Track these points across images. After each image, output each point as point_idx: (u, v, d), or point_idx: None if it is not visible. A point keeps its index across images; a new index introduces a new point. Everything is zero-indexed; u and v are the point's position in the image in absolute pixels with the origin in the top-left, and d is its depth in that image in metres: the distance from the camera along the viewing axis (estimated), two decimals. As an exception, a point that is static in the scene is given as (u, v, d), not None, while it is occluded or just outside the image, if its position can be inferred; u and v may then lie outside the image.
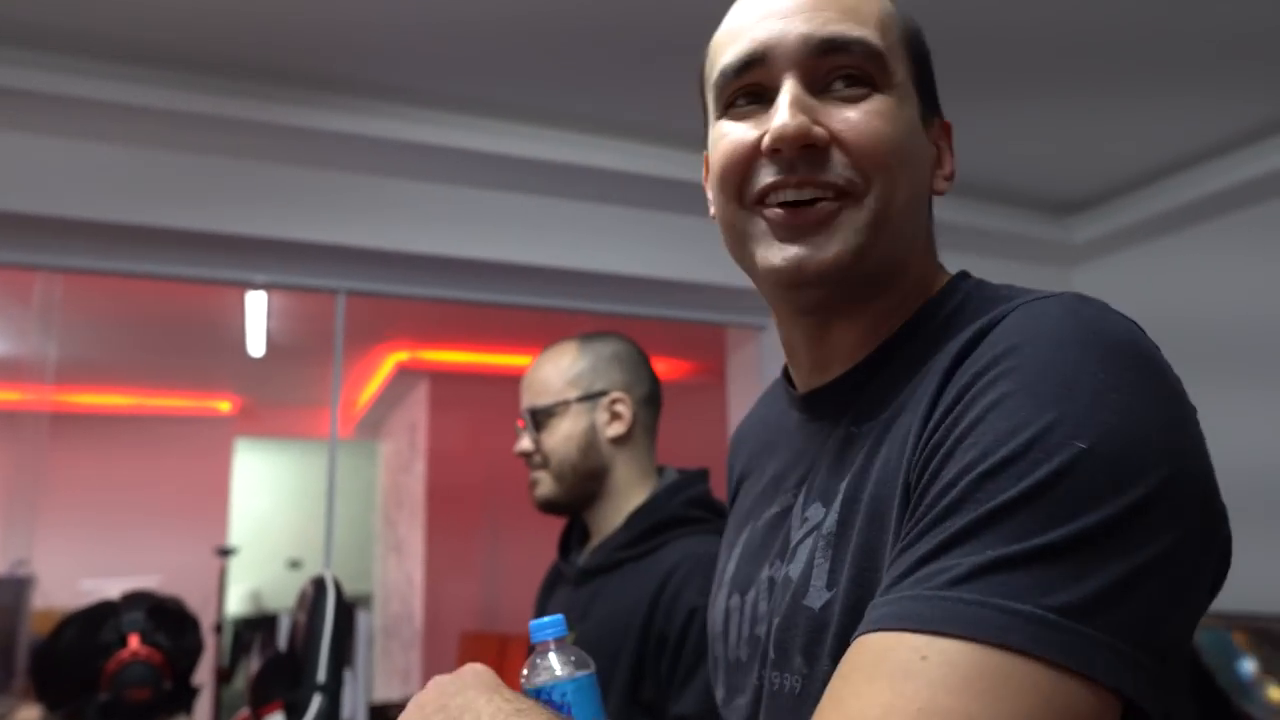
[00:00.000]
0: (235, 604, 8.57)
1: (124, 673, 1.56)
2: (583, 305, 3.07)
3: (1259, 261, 2.99)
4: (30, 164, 2.36)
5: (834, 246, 0.67)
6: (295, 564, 8.97)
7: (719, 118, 0.74)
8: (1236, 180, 2.91)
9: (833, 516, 0.68)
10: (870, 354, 0.72)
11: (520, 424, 1.48)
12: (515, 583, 2.38)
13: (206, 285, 2.81)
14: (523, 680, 0.80)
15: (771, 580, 0.74)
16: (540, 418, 1.44)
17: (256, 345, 4.89)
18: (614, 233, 2.90)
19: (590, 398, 1.43)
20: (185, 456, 7.13)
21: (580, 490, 1.43)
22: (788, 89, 0.68)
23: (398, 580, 6.54)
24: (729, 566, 0.83)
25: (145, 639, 1.60)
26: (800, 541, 0.71)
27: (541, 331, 4.65)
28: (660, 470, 1.49)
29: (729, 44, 0.72)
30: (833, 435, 0.73)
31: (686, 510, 1.39)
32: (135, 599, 1.68)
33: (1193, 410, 0.57)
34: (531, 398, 1.46)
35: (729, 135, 0.72)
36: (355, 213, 2.63)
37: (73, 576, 5.83)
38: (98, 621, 1.62)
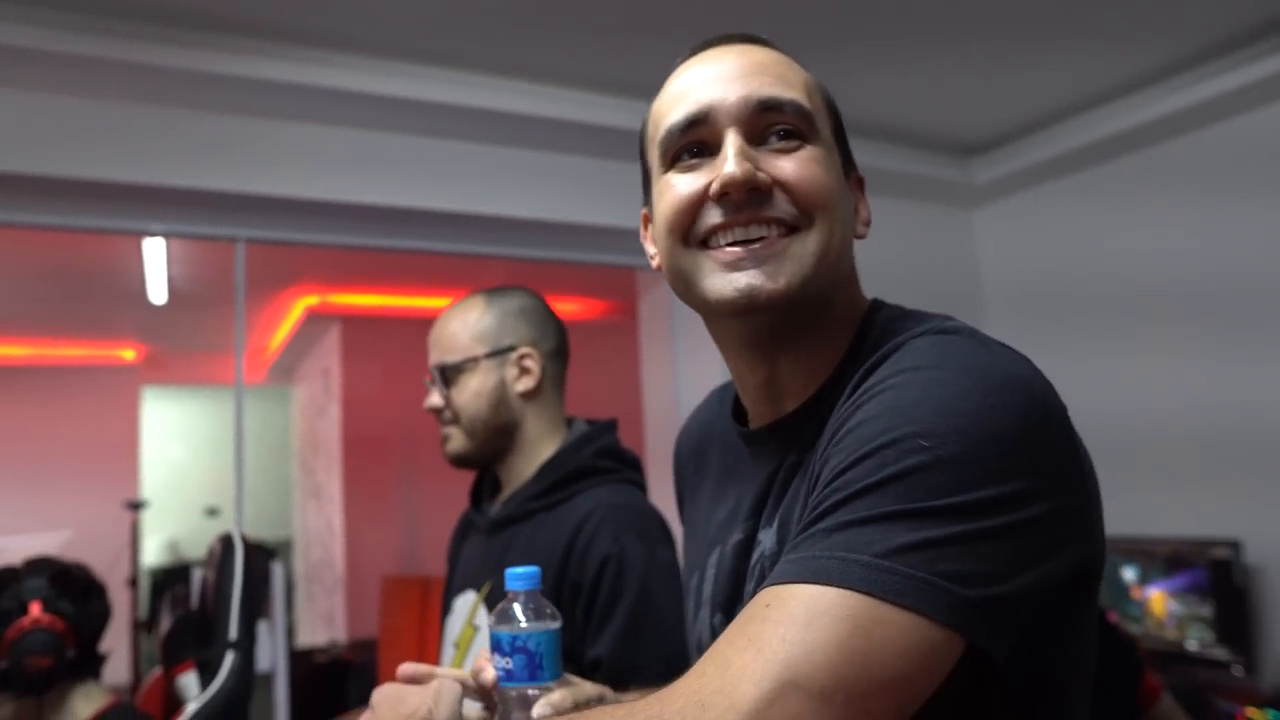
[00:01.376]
0: (153, 554, 8.43)
1: (24, 641, 1.54)
2: (493, 250, 3.05)
3: (1152, 204, 3.11)
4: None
5: (783, 276, 0.75)
6: (212, 512, 8.82)
7: (664, 172, 0.81)
8: (1132, 123, 3.00)
9: (772, 540, 0.78)
10: (815, 391, 0.80)
11: (429, 379, 1.48)
12: (434, 527, 2.40)
13: (103, 235, 2.70)
14: (491, 625, 0.84)
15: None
16: (450, 374, 1.44)
17: (158, 293, 4.74)
18: (523, 177, 2.87)
19: (499, 353, 1.44)
20: (90, 407, 6.91)
21: (492, 445, 1.45)
22: (731, 141, 0.76)
23: (318, 526, 6.50)
24: (705, 586, 0.90)
25: (47, 606, 1.57)
26: (757, 566, 0.80)
27: (454, 275, 4.60)
28: (569, 422, 1.51)
29: (674, 105, 0.80)
30: (784, 464, 0.81)
31: (596, 461, 1.42)
32: (37, 565, 1.64)
33: (1053, 423, 0.66)
34: (440, 354, 1.46)
35: (676, 186, 0.79)
36: (253, 159, 2.55)
37: (-26, 535, 5.64)
38: None
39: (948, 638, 0.58)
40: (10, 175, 2.32)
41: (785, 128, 0.77)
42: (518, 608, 0.84)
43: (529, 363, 1.45)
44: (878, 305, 0.83)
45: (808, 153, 0.77)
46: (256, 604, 1.73)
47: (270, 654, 2.52)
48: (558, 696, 0.82)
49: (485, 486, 1.55)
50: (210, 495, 8.65)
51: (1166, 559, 2.83)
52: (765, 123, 0.77)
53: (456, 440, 1.46)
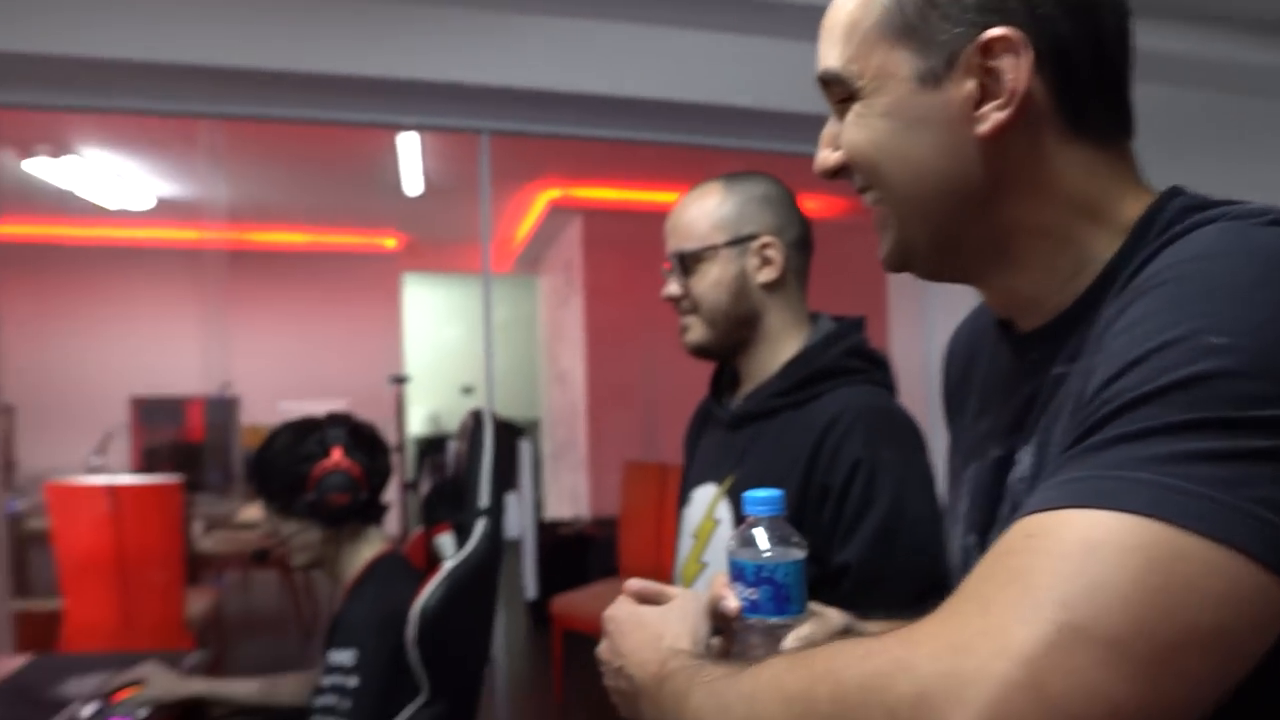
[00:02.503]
0: (417, 424, 9.22)
1: (327, 479, 1.74)
2: (731, 142, 2.98)
3: None
4: (185, 14, 2.43)
5: (884, 246, 0.77)
6: (467, 390, 9.51)
7: None
8: None
9: (1029, 460, 0.69)
10: (1083, 293, 0.68)
11: (667, 266, 1.47)
12: (673, 416, 2.45)
13: (359, 128, 2.88)
14: (731, 551, 0.80)
15: (1003, 526, 0.74)
16: (688, 262, 1.42)
17: (413, 185, 5.02)
18: (766, 66, 2.76)
19: (739, 242, 1.40)
20: (359, 289, 7.54)
21: (732, 336, 1.43)
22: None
23: (562, 409, 6.84)
24: (961, 503, 0.83)
25: (346, 453, 1.76)
26: (1013, 488, 0.72)
27: (692, 168, 4.56)
28: (814, 317, 1.46)
29: None
30: (1049, 376, 0.70)
31: (844, 360, 1.36)
32: (338, 419, 1.84)
33: None
34: (678, 241, 1.44)
35: None
36: (497, 52, 2.60)
37: (270, 398, 6.37)
38: (305, 432, 1.79)
39: (1272, 584, 0.46)
40: (273, 72, 2.49)
41: (839, 98, 0.74)
42: (762, 534, 0.80)
43: (771, 252, 1.40)
44: (1173, 193, 0.69)
45: (850, 116, 0.73)
46: (505, 476, 1.83)
47: (519, 522, 2.69)
48: (807, 630, 0.78)
49: (725, 378, 1.54)
50: (465, 375, 9.30)
51: None
52: (831, 97, 0.75)
53: (696, 330, 1.44)
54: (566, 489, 6.65)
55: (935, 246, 0.73)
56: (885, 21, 0.69)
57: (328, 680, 1.58)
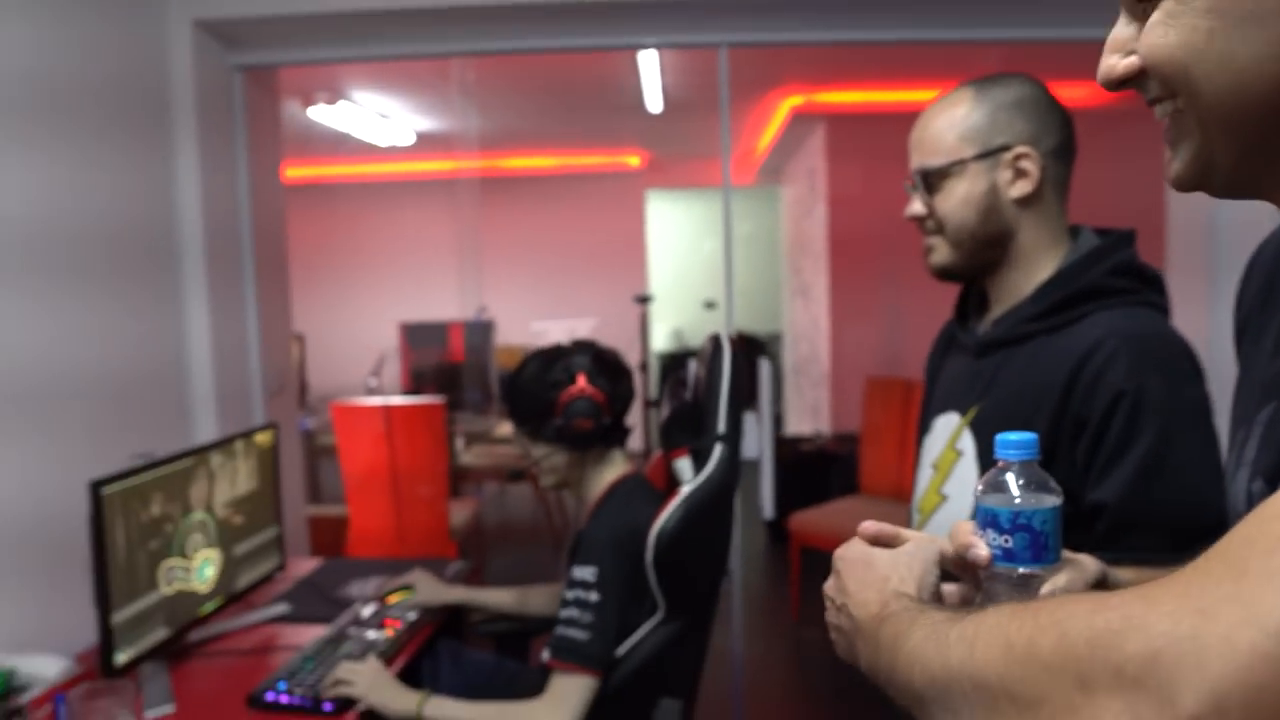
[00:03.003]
0: (661, 341, 9.43)
1: (573, 405, 1.80)
2: (983, 34, 2.72)
3: None
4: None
5: None
6: (710, 305, 9.57)
7: None
8: None
9: None
10: None
11: (910, 183, 1.37)
12: (917, 332, 2.33)
13: (601, 52, 2.89)
14: (979, 496, 0.76)
15: None
16: (933, 180, 1.31)
17: (654, 102, 5.03)
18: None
19: (990, 154, 1.27)
20: (605, 209, 7.72)
21: (980, 257, 1.31)
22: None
23: (804, 323, 6.74)
24: (1250, 445, 0.72)
25: (590, 379, 1.81)
26: None
27: (942, 65, 4.24)
28: (1074, 232, 1.31)
29: None
30: None
31: (1109, 280, 1.22)
32: (583, 346, 1.90)
33: None
34: (922, 157, 1.33)
35: None
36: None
37: (523, 319, 6.72)
38: (552, 360, 1.86)
39: None
40: (524, 6, 2.53)
41: None
42: (1014, 479, 0.74)
43: (1026, 164, 1.26)
44: None
45: (1157, 15, 0.62)
46: (742, 400, 1.82)
47: (756, 443, 2.69)
48: (1064, 580, 0.73)
49: (972, 300, 1.43)
50: (707, 290, 9.36)
51: None
52: None
53: (940, 252, 1.34)
54: (808, 405, 6.58)
55: (1244, 160, 0.62)
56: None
57: (570, 594, 1.66)
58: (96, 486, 1.64)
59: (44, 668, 1.75)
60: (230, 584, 2.07)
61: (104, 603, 1.66)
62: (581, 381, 1.80)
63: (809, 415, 6.51)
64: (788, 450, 5.04)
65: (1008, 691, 0.49)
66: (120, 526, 1.70)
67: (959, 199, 1.29)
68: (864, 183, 5.35)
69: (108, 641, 1.67)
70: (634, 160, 7.72)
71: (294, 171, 6.70)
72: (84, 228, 2.12)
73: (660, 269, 9.11)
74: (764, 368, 2.77)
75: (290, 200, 3.21)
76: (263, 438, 2.23)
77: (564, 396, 1.80)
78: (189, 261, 2.55)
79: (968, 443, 1.28)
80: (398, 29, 2.73)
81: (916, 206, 1.35)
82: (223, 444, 2.07)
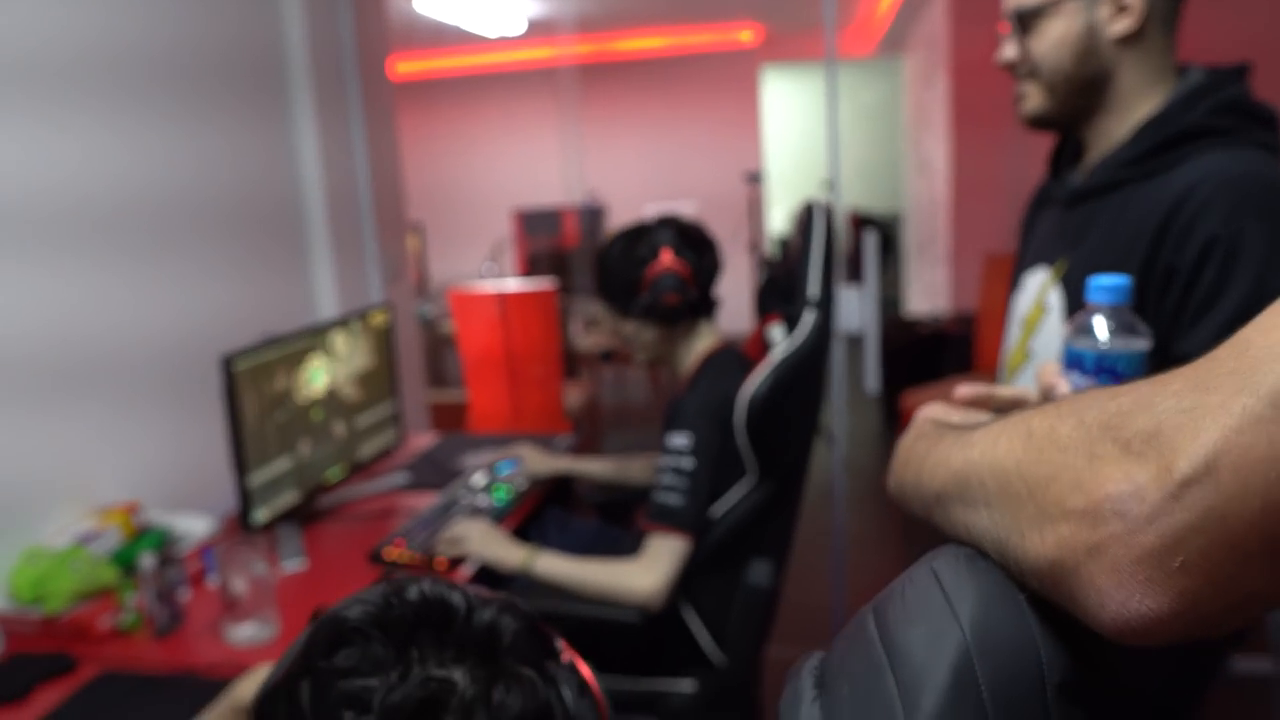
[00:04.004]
0: (779, 223, 9.28)
1: (660, 281, 1.82)
2: None
3: None
4: None
5: None
6: (829, 184, 9.33)
7: None
8: None
9: None
10: None
11: (1004, 29, 1.30)
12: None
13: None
14: (1068, 338, 0.75)
15: None
16: (1027, 20, 1.25)
17: (765, -31, 4.84)
18: None
19: (1087, -12, 1.19)
20: (718, 89, 7.55)
21: (1075, 103, 1.25)
22: None
23: (925, 200, 6.51)
24: None
25: (675, 254, 1.82)
26: None
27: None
28: (1182, 71, 1.23)
29: None
30: None
31: (1212, 119, 1.14)
32: (667, 222, 1.90)
33: None
34: (1016, -3, 1.26)
35: None
36: None
37: (637, 203, 6.72)
38: (636, 238, 1.87)
39: None
40: None
41: None
42: (1102, 322, 0.73)
43: (1127, -1, 1.18)
44: None
45: None
46: (833, 268, 1.79)
47: (859, 315, 2.65)
48: None
49: (1068, 151, 1.36)
50: (827, 168, 9.11)
51: None
52: None
53: (1033, 99, 1.28)
54: (926, 285, 6.41)
55: None
56: None
57: (666, 461, 1.71)
58: (227, 362, 1.77)
59: (195, 526, 1.93)
60: (353, 454, 2.22)
61: (241, 467, 1.81)
62: (666, 257, 1.81)
63: (928, 295, 6.34)
64: (904, 332, 4.94)
65: (1022, 474, 0.50)
66: (252, 398, 1.83)
67: (1054, 40, 1.23)
68: (989, 50, 5.04)
69: (246, 503, 1.82)
70: (746, 35, 7.48)
71: (404, 67, 6.78)
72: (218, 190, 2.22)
73: (778, 149, 8.89)
74: (869, 241, 2.71)
75: (401, 96, 3.27)
76: (378, 318, 2.34)
77: (649, 272, 1.81)
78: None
79: (1056, 298, 1.25)
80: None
81: (1009, 51, 1.29)
82: (340, 323, 2.18)
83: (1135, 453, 0.44)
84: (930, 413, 0.79)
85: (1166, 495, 0.42)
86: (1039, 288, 1.29)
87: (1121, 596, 0.44)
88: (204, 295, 2.22)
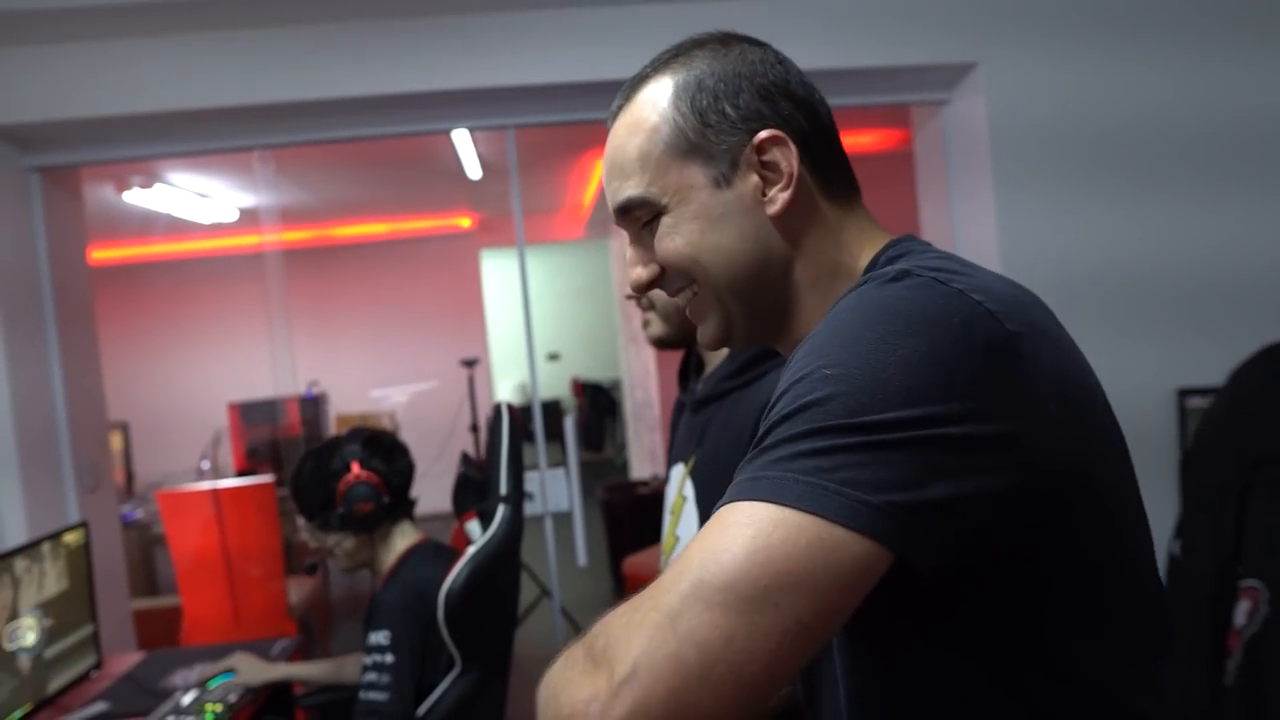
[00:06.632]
0: (508, 394, 9.53)
1: (351, 492, 1.93)
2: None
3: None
4: (239, 62, 2.66)
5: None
6: (553, 356, 9.76)
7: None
8: None
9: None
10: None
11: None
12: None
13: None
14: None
15: None
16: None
17: (473, 170, 5.22)
18: (787, 26, 2.80)
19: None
20: (439, 272, 7.82)
21: (687, 329, 1.53)
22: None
23: (637, 369, 7.00)
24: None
25: (364, 465, 1.95)
26: None
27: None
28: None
29: None
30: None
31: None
32: (354, 434, 2.03)
33: (977, 351, 0.66)
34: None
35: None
36: (514, 55, 2.74)
37: (360, 388, 6.74)
38: (328, 454, 1.98)
39: (854, 541, 0.60)
40: (322, 101, 2.69)
41: (643, 221, 0.86)
42: None
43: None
44: (889, 245, 0.84)
45: (661, 229, 0.84)
46: (521, 465, 1.99)
47: (567, 496, 2.87)
48: None
49: (691, 365, 1.65)
50: (550, 343, 9.55)
51: None
52: (633, 225, 0.87)
53: (655, 326, 1.55)
54: (646, 448, 6.82)
55: (753, 316, 0.86)
56: (672, 145, 0.84)
57: (369, 659, 1.79)
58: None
59: None
60: (41, 688, 2.10)
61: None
62: (355, 468, 1.94)
63: (648, 458, 6.75)
64: (626, 494, 5.23)
65: (550, 687, 0.65)
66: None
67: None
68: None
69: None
70: (465, 221, 7.87)
71: (107, 253, 6.56)
72: None
73: (502, 326, 9.25)
74: (568, 425, 2.96)
75: (104, 281, 3.21)
76: (71, 536, 2.27)
77: (341, 485, 1.93)
78: None
79: (690, 489, 1.50)
80: (196, 126, 2.83)
81: (640, 272, 1.56)
82: (29, 547, 2.10)
83: (596, 662, 0.61)
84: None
85: (610, 695, 0.59)
86: (679, 480, 1.54)
87: None
88: None
